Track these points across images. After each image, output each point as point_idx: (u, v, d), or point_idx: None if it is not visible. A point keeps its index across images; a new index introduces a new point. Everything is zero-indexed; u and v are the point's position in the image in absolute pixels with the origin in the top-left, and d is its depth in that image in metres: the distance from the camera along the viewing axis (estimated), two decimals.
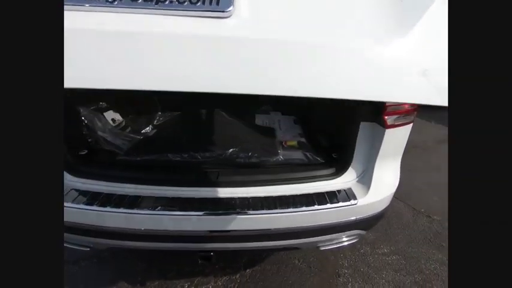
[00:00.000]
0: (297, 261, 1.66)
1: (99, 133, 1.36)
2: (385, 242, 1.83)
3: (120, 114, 1.75)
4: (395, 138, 1.15)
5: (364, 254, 1.73)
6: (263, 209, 1.05)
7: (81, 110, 1.38)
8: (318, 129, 1.79)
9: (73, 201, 1.05)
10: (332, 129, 1.59)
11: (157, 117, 1.73)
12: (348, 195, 1.15)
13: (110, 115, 1.68)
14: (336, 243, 1.21)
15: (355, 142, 1.17)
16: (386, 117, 1.08)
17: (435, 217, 2.11)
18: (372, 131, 1.15)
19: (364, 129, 1.15)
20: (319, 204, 1.09)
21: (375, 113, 1.12)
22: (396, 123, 1.11)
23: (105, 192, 1.09)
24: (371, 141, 1.17)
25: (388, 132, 1.11)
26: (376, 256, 1.72)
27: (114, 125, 1.66)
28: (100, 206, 1.03)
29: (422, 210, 2.19)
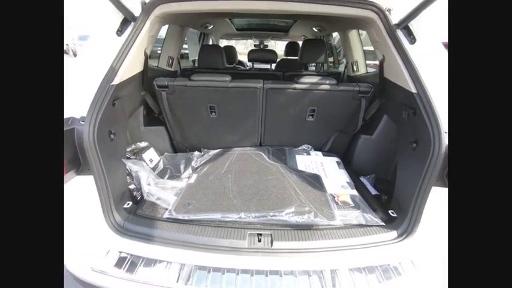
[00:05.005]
0: None
1: (143, 184, 1.31)
2: None
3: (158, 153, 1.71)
4: None
5: None
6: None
7: (127, 158, 1.33)
8: (364, 172, 1.70)
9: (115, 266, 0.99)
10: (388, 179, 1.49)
11: (195, 158, 1.67)
12: (413, 265, 1.06)
13: (148, 155, 1.64)
14: None
15: (423, 206, 1.08)
16: None
17: None
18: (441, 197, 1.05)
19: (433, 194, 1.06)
20: (385, 280, 1.00)
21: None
22: None
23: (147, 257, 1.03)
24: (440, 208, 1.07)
25: None
26: None
27: (152, 166, 1.62)
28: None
29: None
